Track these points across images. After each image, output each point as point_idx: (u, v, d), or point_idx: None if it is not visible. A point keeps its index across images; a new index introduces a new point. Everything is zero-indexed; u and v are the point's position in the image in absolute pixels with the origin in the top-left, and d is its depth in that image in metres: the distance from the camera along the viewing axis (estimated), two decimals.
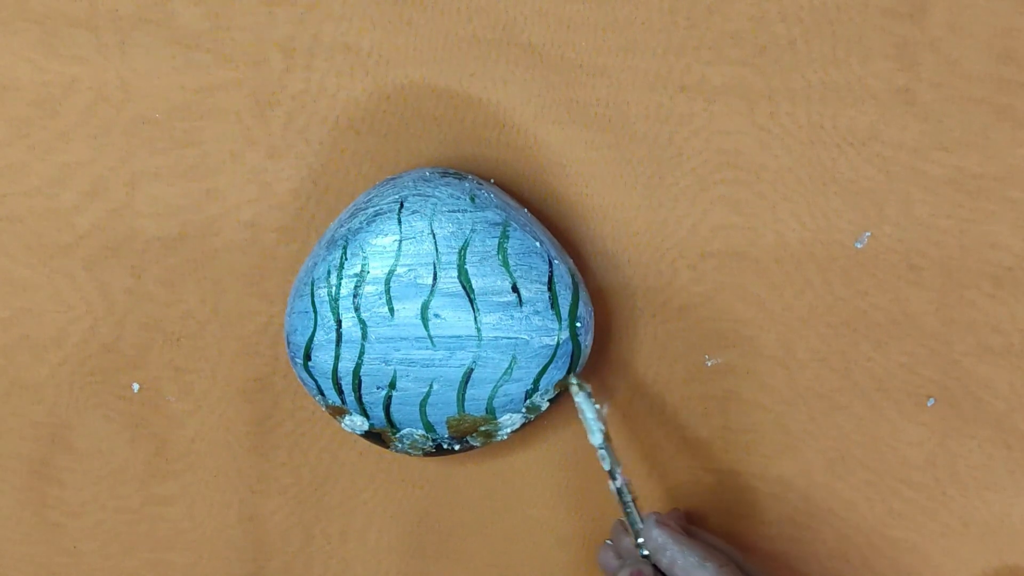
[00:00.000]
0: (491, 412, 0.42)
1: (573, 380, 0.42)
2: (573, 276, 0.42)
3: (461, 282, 0.41)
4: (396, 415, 0.42)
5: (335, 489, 0.47)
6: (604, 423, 0.42)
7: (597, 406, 0.42)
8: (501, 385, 0.42)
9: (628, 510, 0.41)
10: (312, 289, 0.42)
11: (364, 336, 0.41)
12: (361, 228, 0.41)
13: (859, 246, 0.45)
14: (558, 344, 0.42)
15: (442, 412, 0.42)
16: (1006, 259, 0.45)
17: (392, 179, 0.43)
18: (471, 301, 0.41)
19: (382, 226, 0.41)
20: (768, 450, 0.46)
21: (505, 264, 0.41)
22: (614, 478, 0.41)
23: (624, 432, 0.47)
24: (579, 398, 0.42)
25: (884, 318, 0.45)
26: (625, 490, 0.41)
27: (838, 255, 0.45)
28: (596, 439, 0.41)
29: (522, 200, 0.45)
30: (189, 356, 0.47)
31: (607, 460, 0.41)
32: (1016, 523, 0.46)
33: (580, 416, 0.42)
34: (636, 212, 0.45)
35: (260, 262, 0.46)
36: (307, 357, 0.42)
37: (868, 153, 0.44)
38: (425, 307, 0.41)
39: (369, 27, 0.44)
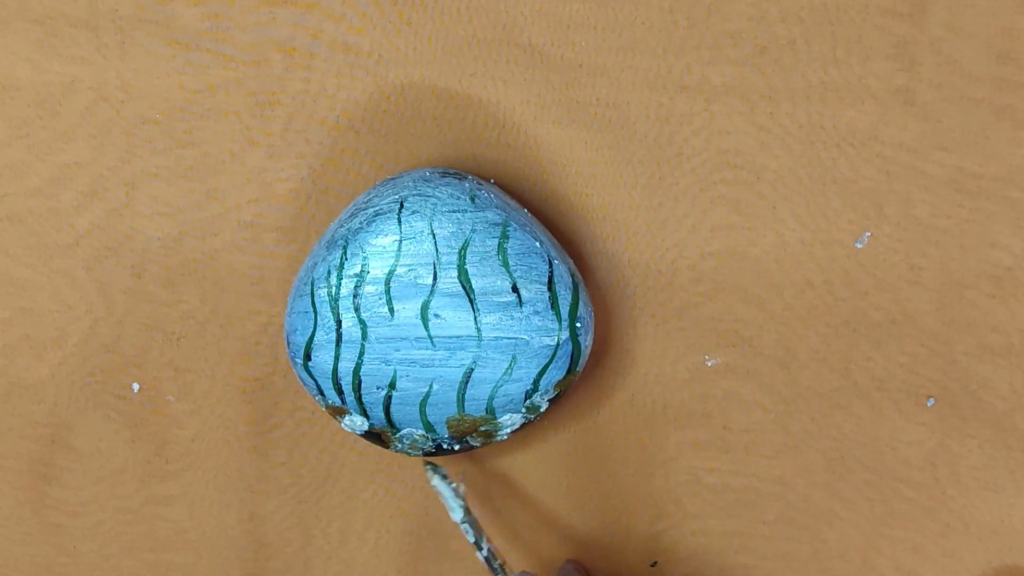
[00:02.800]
0: (491, 412, 0.42)
1: (427, 465, 0.44)
2: (573, 276, 0.42)
3: (461, 282, 0.41)
4: (396, 415, 0.42)
5: (335, 489, 0.47)
6: (463, 499, 0.43)
7: (453, 485, 0.43)
8: (501, 385, 0.42)
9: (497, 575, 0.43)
10: (312, 289, 0.42)
11: (364, 336, 0.41)
12: (361, 228, 0.41)
13: (859, 246, 0.45)
14: (558, 344, 0.42)
15: (442, 412, 0.42)
16: (1006, 259, 0.45)
17: (392, 179, 0.43)
18: (471, 301, 0.41)
19: (382, 226, 0.41)
20: (768, 450, 0.46)
21: (505, 264, 0.41)
22: (480, 548, 0.43)
23: (623, 432, 0.47)
24: (435, 481, 0.43)
25: (884, 318, 0.45)
26: (492, 557, 0.43)
27: (838, 255, 0.45)
28: (457, 515, 0.43)
29: (522, 200, 0.45)
30: (189, 356, 0.47)
31: (470, 533, 0.43)
32: (1016, 523, 0.46)
33: (439, 498, 0.44)
34: (636, 212, 0.45)
35: (260, 262, 0.46)
36: (307, 357, 0.42)
37: (868, 153, 0.44)
38: (425, 307, 0.41)
39: (369, 27, 0.44)
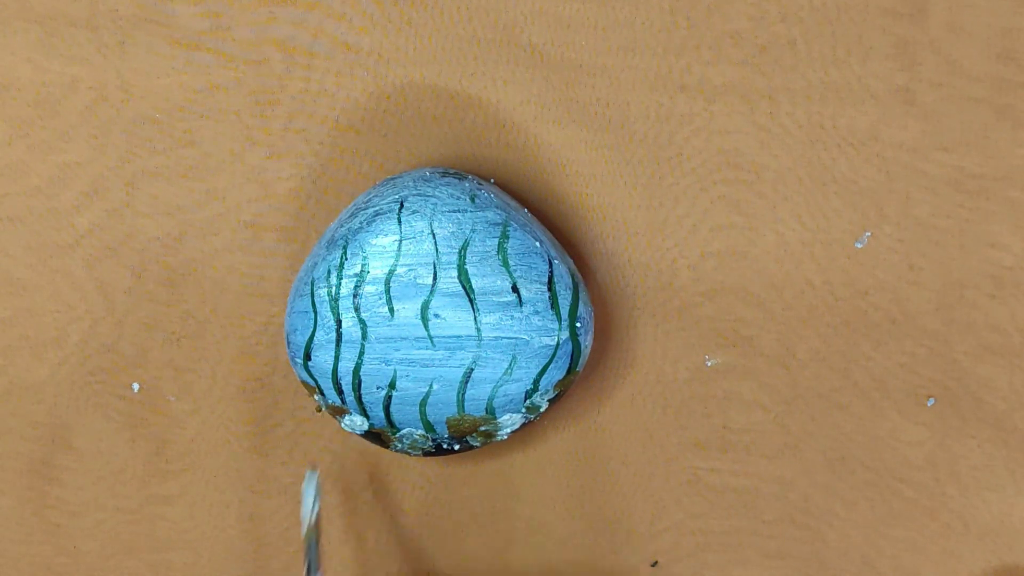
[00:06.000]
0: (491, 412, 0.42)
1: (312, 472, 0.43)
2: (573, 276, 0.42)
3: (461, 282, 0.41)
4: (396, 415, 0.42)
5: (335, 489, 0.47)
6: (316, 518, 0.42)
7: (316, 502, 0.42)
8: (501, 385, 0.42)
9: None
10: (312, 289, 0.42)
11: (364, 336, 0.41)
12: (361, 228, 0.41)
13: (859, 246, 0.45)
14: (558, 344, 0.42)
15: (442, 412, 0.42)
16: (1006, 259, 0.45)
17: (392, 179, 0.43)
18: (471, 301, 0.41)
19: (382, 226, 0.41)
20: (768, 450, 0.46)
21: (505, 264, 0.41)
22: (309, 572, 0.42)
23: (623, 432, 0.47)
24: (306, 485, 0.42)
25: (884, 318, 0.45)
26: None
27: (838, 255, 0.45)
28: (304, 526, 0.42)
29: (522, 200, 0.45)
30: (189, 356, 0.47)
31: (310, 552, 0.42)
32: (1016, 523, 0.46)
33: (302, 499, 0.43)
34: (636, 212, 0.45)
35: (260, 262, 0.46)
36: (307, 357, 0.42)
37: (868, 153, 0.44)
38: (425, 307, 0.41)
39: (369, 27, 0.44)
